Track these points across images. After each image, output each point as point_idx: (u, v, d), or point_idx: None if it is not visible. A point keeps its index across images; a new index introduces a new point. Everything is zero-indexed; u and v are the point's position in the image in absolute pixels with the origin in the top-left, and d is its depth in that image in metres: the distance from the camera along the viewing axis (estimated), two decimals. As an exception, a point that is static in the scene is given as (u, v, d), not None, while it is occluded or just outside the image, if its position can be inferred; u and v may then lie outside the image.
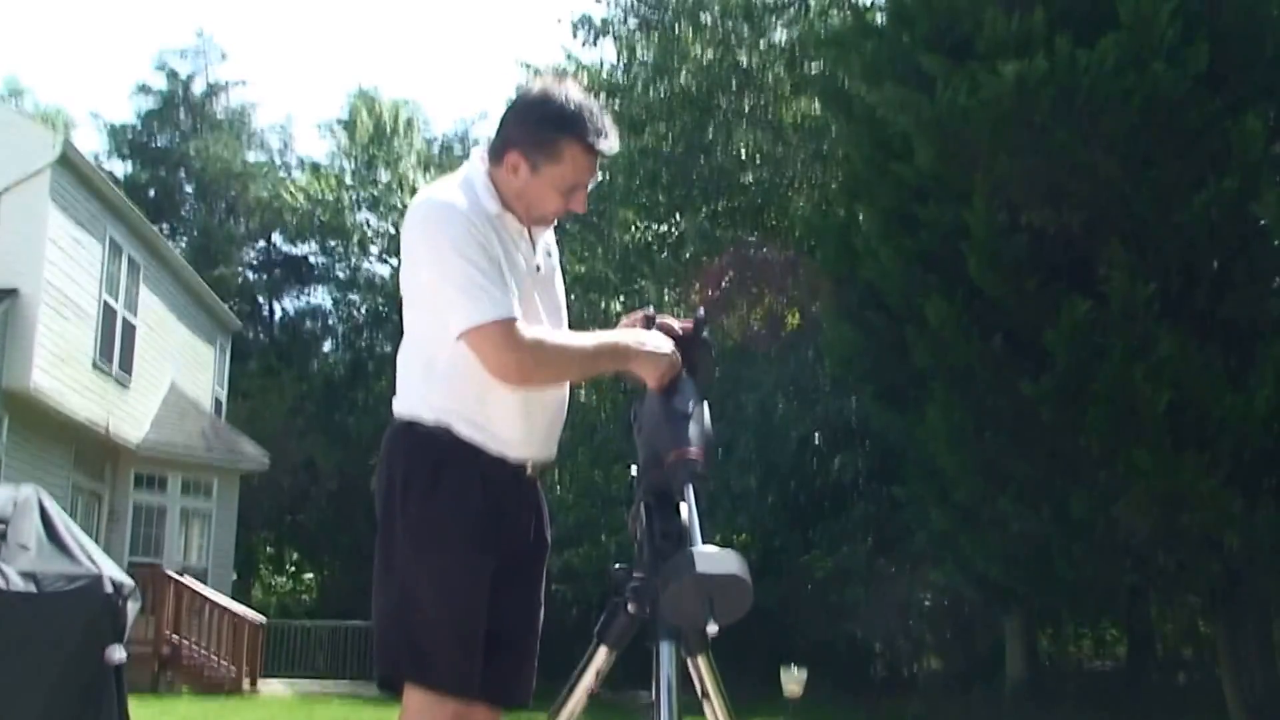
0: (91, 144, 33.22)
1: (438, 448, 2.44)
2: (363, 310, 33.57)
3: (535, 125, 2.45)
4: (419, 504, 2.42)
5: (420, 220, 2.46)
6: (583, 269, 20.08)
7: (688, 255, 19.80)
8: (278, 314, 34.67)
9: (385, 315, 32.54)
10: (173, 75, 33.94)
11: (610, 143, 2.45)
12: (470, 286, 2.35)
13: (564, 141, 2.43)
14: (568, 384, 2.62)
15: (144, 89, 33.82)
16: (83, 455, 16.81)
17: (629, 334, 2.48)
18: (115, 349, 16.97)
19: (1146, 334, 9.22)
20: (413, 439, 2.46)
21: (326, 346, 34.25)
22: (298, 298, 34.58)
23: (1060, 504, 9.92)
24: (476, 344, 2.36)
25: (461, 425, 2.44)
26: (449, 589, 2.39)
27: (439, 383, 2.46)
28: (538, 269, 2.57)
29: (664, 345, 2.43)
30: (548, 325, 2.54)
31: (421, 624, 2.39)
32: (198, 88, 34.33)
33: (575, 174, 2.45)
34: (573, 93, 2.47)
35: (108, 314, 16.69)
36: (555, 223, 2.66)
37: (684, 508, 2.18)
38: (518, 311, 2.37)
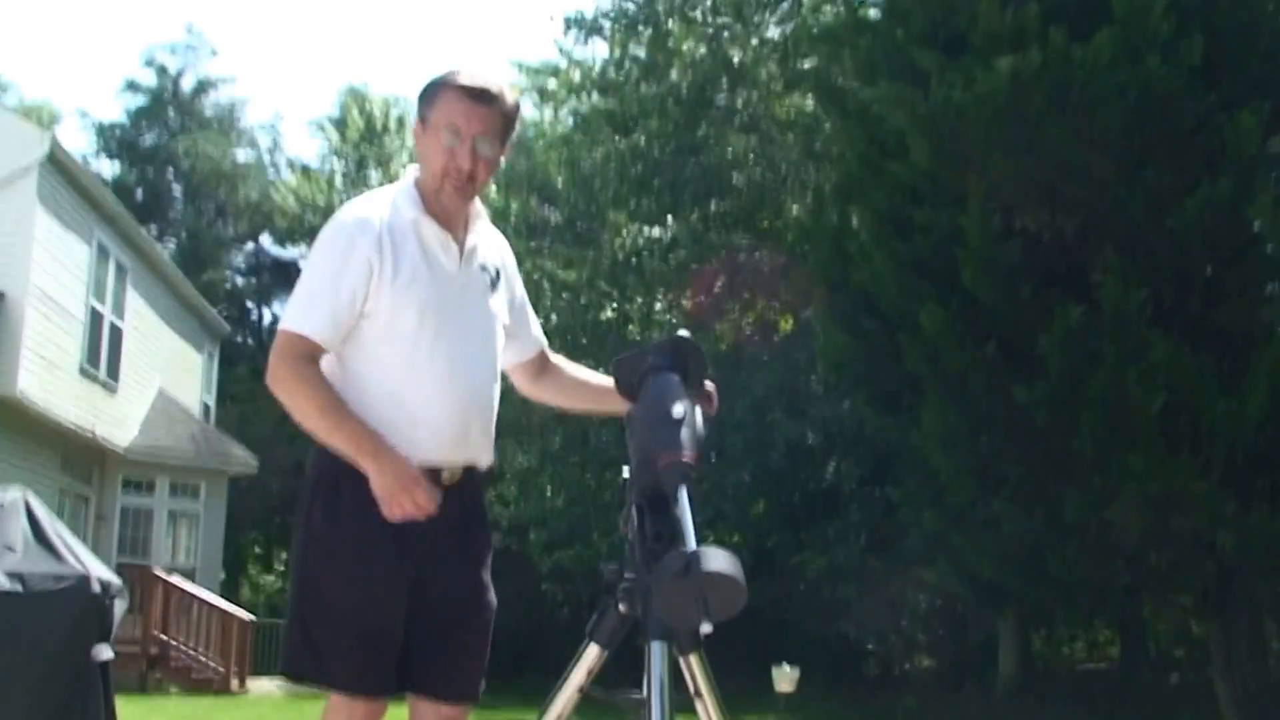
0: (78, 142, 33.20)
1: (340, 458, 2.49)
2: (352, 316, 33.52)
3: (423, 87, 2.65)
4: (322, 514, 2.53)
5: (322, 231, 2.62)
6: (573, 276, 20.03)
7: (679, 261, 19.74)
8: (266, 319, 34.62)
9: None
10: (162, 71, 33.84)
11: (475, 78, 2.59)
12: (306, 293, 2.54)
13: (438, 89, 2.61)
14: (493, 390, 2.68)
15: (132, 86, 33.73)
16: (70, 459, 16.73)
17: (382, 445, 2.46)
18: (102, 355, 16.87)
19: (1139, 340, 9.20)
20: (320, 451, 2.54)
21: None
22: (287, 302, 34.58)
23: (1053, 506, 9.91)
24: (276, 338, 2.52)
25: None
26: (348, 595, 2.49)
27: (353, 394, 2.54)
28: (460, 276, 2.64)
29: (405, 478, 2.43)
30: (458, 332, 2.60)
31: (322, 628, 2.51)
32: (187, 84, 34.25)
33: (447, 113, 2.56)
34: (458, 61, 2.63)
35: (95, 319, 16.58)
36: (482, 220, 2.72)
37: (676, 509, 2.15)
38: (322, 335, 2.49)
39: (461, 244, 2.64)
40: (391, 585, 2.48)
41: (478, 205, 2.71)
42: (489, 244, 2.74)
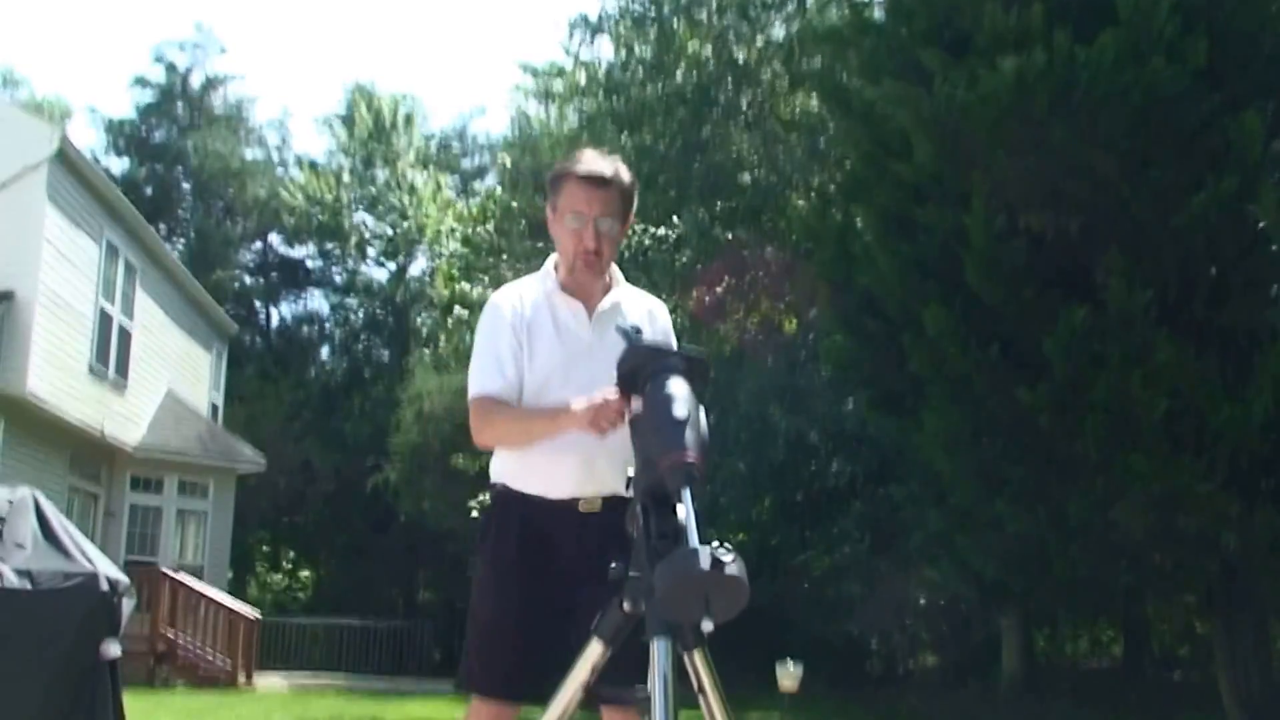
0: (88, 138, 33.21)
1: (495, 501, 3.04)
2: (359, 315, 33.48)
3: (550, 177, 3.09)
4: (479, 549, 3.02)
5: (482, 315, 3.10)
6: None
7: (685, 260, 19.71)
8: (274, 320, 34.63)
9: (382, 321, 32.45)
10: (171, 68, 33.88)
11: (592, 166, 2.96)
12: (479, 366, 2.98)
13: (562, 179, 3.00)
14: (602, 436, 2.85)
15: (142, 82, 33.75)
16: (79, 458, 16.74)
17: (556, 410, 2.82)
18: (111, 355, 16.87)
19: (1144, 342, 9.17)
20: (489, 495, 3.10)
21: (324, 353, 34.20)
22: (295, 302, 34.52)
23: (1057, 507, 9.89)
24: (470, 410, 2.98)
25: (509, 480, 3.00)
26: (486, 613, 2.95)
27: (499, 450, 3.04)
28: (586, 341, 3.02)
29: (585, 408, 2.66)
30: (582, 381, 2.85)
31: (472, 642, 2.97)
32: (196, 81, 34.27)
33: (571, 200, 2.96)
34: (580, 151, 3.11)
35: (104, 319, 16.57)
36: (619, 287, 3.09)
37: (681, 509, 2.18)
38: (499, 388, 2.94)
39: (591, 310, 3.02)
40: (524, 605, 2.87)
41: (615, 273, 3.09)
42: (632, 305, 3.10)
